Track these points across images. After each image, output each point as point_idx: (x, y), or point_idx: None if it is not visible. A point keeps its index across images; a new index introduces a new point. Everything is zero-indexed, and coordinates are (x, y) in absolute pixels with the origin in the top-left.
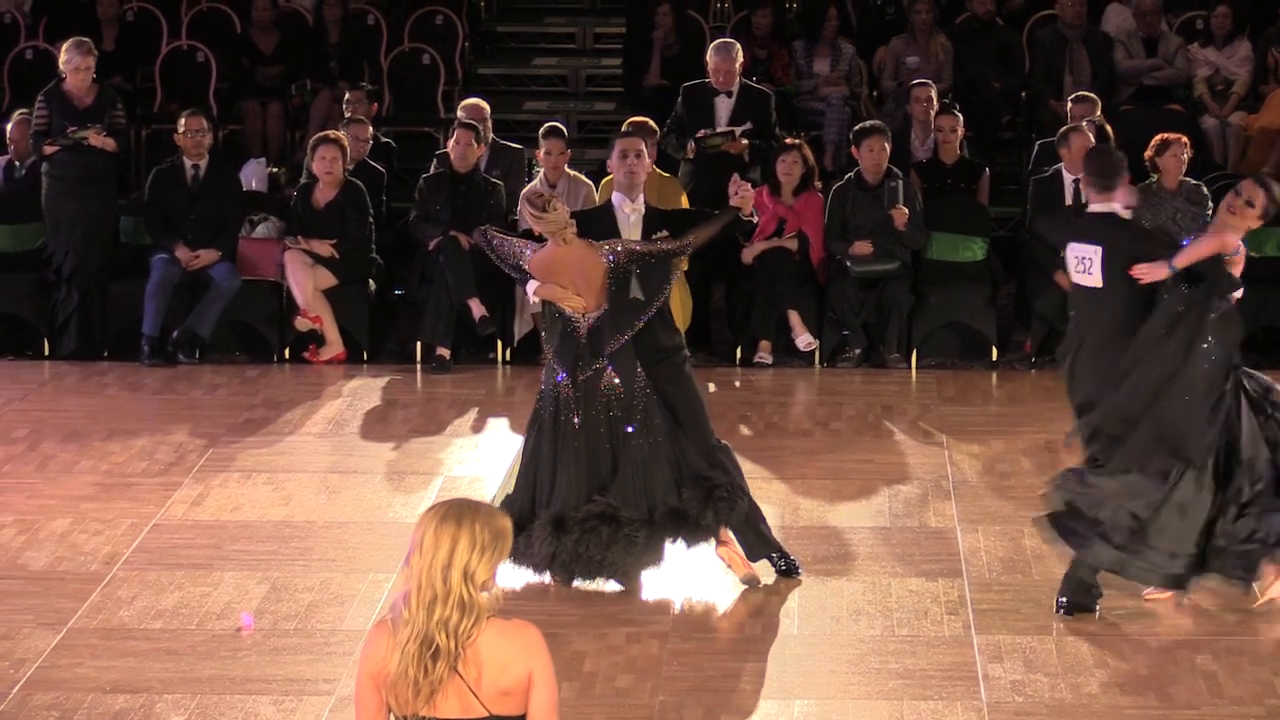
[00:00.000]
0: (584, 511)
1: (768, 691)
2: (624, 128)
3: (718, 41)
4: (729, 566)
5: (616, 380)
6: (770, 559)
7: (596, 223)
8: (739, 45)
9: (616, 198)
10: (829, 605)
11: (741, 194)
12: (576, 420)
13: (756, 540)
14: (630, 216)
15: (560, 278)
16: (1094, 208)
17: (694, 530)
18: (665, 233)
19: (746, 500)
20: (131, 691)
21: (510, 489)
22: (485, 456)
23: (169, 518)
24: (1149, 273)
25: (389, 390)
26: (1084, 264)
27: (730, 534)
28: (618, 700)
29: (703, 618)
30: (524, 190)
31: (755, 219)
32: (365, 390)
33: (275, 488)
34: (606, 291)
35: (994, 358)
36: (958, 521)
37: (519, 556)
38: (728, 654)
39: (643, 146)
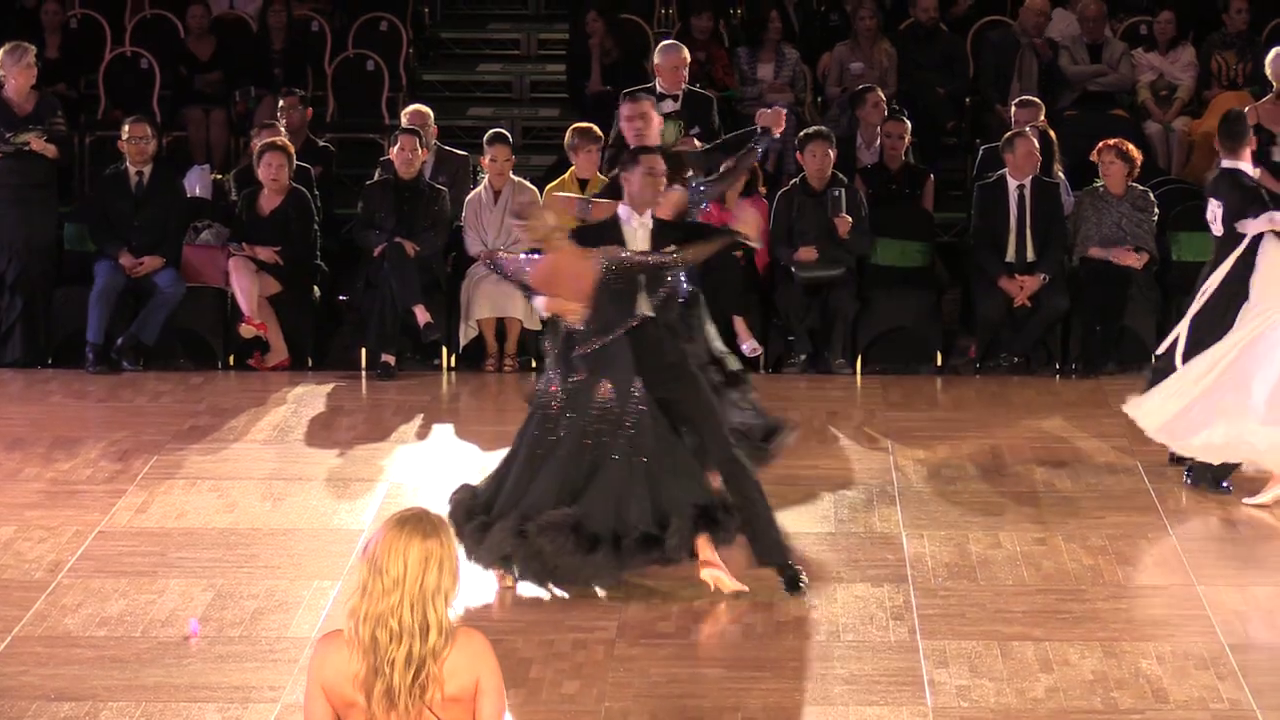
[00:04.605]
0: (548, 518)
1: (714, 697)
2: (568, 135)
3: (664, 43)
4: (716, 587)
5: (610, 394)
6: (779, 568)
7: (603, 236)
8: (685, 46)
9: (624, 211)
10: (775, 610)
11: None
12: (561, 428)
13: (771, 545)
14: (638, 230)
15: (558, 287)
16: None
17: (666, 557)
18: (674, 247)
19: (739, 518)
20: (76, 699)
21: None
22: (430, 463)
23: (114, 525)
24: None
25: (334, 397)
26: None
27: (714, 553)
28: (564, 706)
29: (649, 624)
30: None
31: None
32: (310, 397)
33: (220, 495)
34: (594, 300)
35: (939, 363)
36: (903, 527)
37: (470, 551)
38: (674, 660)
39: (664, 163)
